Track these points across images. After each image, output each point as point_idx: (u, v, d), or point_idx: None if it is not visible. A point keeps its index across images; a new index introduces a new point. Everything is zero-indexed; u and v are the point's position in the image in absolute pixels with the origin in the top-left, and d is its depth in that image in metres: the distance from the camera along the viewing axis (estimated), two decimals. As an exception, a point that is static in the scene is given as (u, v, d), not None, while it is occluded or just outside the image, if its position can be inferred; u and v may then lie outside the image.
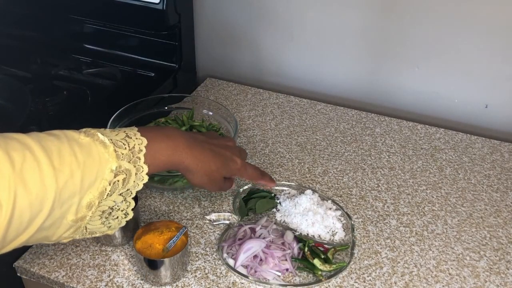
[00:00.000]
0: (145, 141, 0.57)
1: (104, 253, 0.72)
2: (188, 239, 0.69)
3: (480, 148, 0.98)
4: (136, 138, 0.57)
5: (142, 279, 0.68)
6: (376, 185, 0.87)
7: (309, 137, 1.00)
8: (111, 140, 0.54)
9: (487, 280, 0.70)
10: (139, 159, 0.56)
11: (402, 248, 0.75)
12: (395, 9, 1.00)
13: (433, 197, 0.85)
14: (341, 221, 0.78)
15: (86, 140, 0.53)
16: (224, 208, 0.81)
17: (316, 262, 0.69)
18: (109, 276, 0.69)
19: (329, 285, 0.68)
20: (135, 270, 0.69)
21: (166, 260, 0.65)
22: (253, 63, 1.20)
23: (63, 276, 0.68)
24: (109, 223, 0.56)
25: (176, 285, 0.67)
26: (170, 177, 0.80)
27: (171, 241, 0.67)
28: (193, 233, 0.76)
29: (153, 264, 0.65)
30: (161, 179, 0.80)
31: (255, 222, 0.77)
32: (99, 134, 0.54)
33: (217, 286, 0.68)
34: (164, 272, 0.66)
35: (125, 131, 0.57)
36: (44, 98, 0.94)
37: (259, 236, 0.72)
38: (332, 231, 0.76)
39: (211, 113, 0.94)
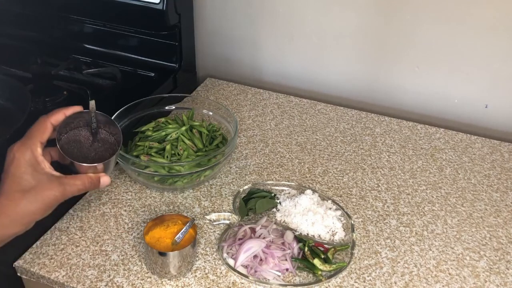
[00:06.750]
0: None
1: (104, 253, 0.72)
2: (196, 231, 0.70)
3: (480, 148, 0.98)
4: None
5: (150, 272, 0.69)
6: (376, 185, 0.87)
7: (309, 137, 0.99)
8: None
9: (487, 280, 0.70)
10: None
11: (402, 248, 0.75)
12: (395, 10, 1.00)
13: (433, 197, 0.85)
14: (341, 221, 0.78)
15: None
16: (224, 208, 0.81)
17: (316, 262, 0.69)
18: (109, 276, 0.69)
19: (329, 285, 0.68)
20: (135, 270, 0.69)
21: (177, 252, 0.66)
22: (253, 63, 1.20)
23: (63, 276, 0.68)
24: None
25: (177, 285, 0.67)
26: (170, 177, 0.80)
27: (180, 233, 0.68)
28: (193, 233, 0.76)
29: (163, 256, 0.66)
30: (161, 179, 0.80)
31: (255, 222, 0.77)
32: None
33: (217, 286, 0.68)
34: (175, 263, 0.67)
35: None
36: (44, 98, 0.94)
37: (259, 236, 0.72)
38: (332, 231, 0.76)
39: (211, 113, 0.94)
